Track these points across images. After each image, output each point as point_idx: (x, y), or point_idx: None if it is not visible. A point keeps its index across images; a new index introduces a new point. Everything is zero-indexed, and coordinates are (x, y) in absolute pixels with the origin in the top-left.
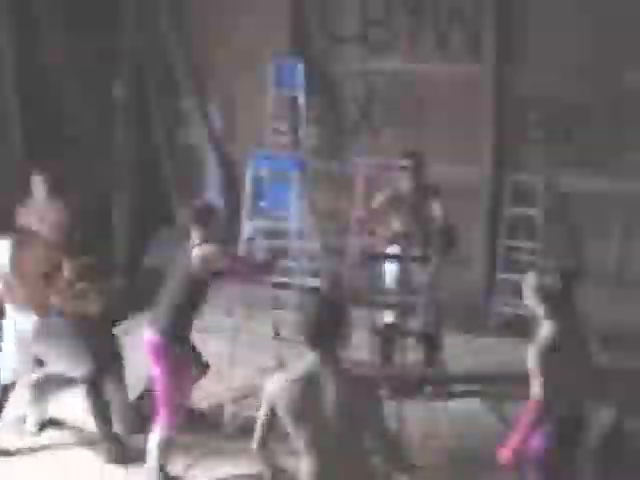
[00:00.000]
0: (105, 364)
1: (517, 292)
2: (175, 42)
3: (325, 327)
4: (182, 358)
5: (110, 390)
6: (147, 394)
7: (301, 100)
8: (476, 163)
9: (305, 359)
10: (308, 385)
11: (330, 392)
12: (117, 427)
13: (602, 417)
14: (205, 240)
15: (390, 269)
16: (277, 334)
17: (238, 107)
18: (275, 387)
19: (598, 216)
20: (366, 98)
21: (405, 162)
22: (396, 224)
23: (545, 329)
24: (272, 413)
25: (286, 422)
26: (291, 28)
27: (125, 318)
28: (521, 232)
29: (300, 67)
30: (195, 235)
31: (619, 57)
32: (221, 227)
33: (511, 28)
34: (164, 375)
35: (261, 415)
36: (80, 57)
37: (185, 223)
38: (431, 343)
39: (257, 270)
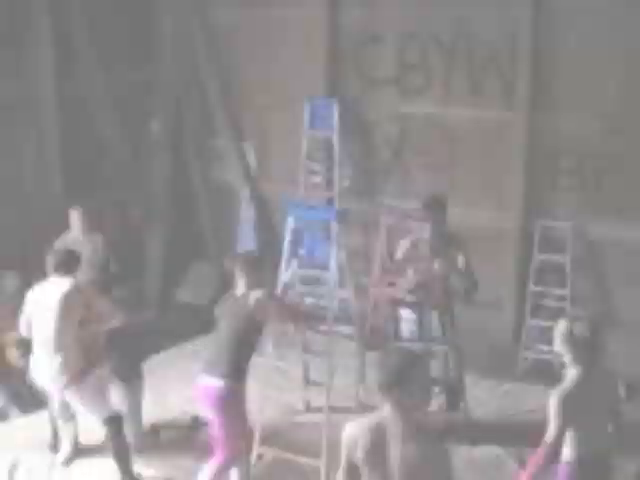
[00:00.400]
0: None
1: (545, 338)
2: (211, 78)
3: (403, 377)
4: (243, 398)
5: (128, 404)
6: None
7: (335, 140)
8: (507, 209)
9: (381, 408)
10: (379, 433)
11: (399, 441)
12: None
13: (627, 467)
14: (256, 286)
15: (408, 317)
16: (307, 380)
17: (272, 145)
18: (352, 433)
19: (629, 264)
20: (399, 140)
21: (427, 209)
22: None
23: (570, 375)
24: (350, 461)
25: (362, 470)
26: (327, 68)
27: (157, 351)
28: (551, 279)
29: (334, 107)
30: (242, 282)
31: None
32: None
33: (544, 76)
34: (230, 418)
35: (342, 463)
36: (117, 90)
37: (230, 270)
38: (452, 390)
39: (305, 316)
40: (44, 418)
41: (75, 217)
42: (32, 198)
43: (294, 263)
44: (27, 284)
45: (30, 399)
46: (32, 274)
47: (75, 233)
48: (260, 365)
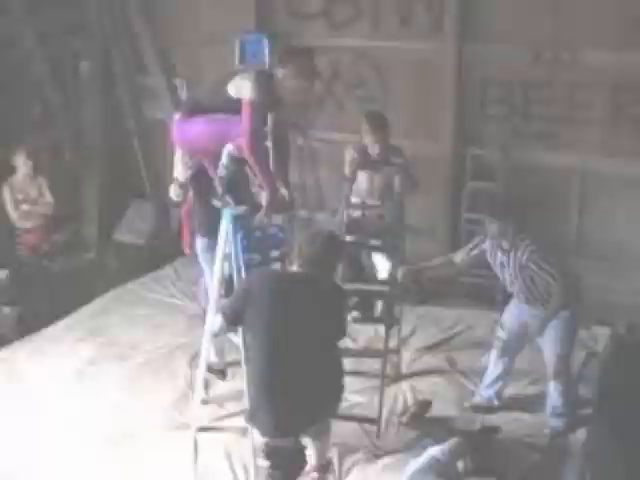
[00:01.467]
0: None
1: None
2: (139, 15)
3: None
4: None
5: None
6: None
7: None
8: (439, 139)
9: None
10: None
11: None
12: None
13: None
14: None
15: None
16: None
17: (204, 82)
18: None
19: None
20: (330, 74)
21: (369, 123)
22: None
23: None
24: None
25: None
26: (256, 5)
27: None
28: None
29: (265, 42)
30: None
31: (577, 35)
32: None
33: (472, 7)
34: None
35: None
36: (46, 30)
37: None
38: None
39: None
40: None
41: (21, 159)
42: None
43: None
44: None
45: None
46: None
47: (20, 176)
48: None
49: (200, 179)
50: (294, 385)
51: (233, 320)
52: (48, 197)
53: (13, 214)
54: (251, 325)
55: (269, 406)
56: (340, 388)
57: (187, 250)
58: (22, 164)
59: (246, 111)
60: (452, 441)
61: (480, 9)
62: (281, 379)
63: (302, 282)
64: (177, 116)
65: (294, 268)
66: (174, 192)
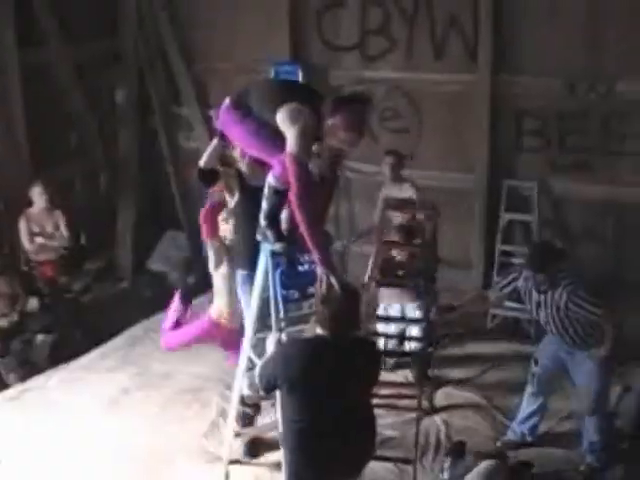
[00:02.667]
0: None
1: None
2: (174, 46)
3: None
4: None
5: None
6: None
7: None
8: (473, 170)
9: None
10: None
11: None
12: None
13: None
14: None
15: None
16: None
17: None
18: None
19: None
20: None
21: (388, 159)
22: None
23: None
24: None
25: None
26: (290, 33)
27: (133, 322)
28: (518, 237)
29: (299, 72)
30: None
31: (612, 67)
32: None
33: (506, 38)
34: None
35: None
36: (82, 60)
37: None
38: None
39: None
40: None
41: (37, 192)
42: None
43: None
44: None
45: None
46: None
47: (37, 208)
48: None
49: (245, 209)
50: (344, 439)
51: (270, 389)
52: (64, 231)
53: (28, 246)
54: (292, 390)
55: (319, 464)
56: (376, 430)
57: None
58: (37, 197)
59: (290, 166)
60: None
61: (514, 40)
62: (331, 435)
63: (340, 345)
64: (227, 102)
65: (320, 330)
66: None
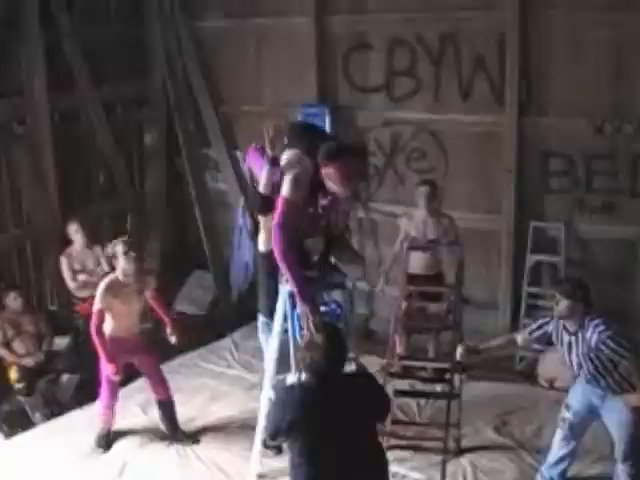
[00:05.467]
0: None
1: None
2: (202, 89)
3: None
4: None
5: None
6: None
7: None
8: (499, 211)
9: None
10: None
11: None
12: None
13: None
14: None
15: None
16: None
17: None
18: None
19: (620, 262)
20: (390, 147)
21: (422, 189)
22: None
23: None
24: None
25: None
26: (316, 75)
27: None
28: (545, 279)
29: (326, 114)
30: None
31: (639, 106)
32: None
33: (532, 78)
34: None
35: None
36: (110, 103)
37: None
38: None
39: None
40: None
41: (73, 230)
42: (29, 214)
43: None
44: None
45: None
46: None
47: (77, 246)
48: None
49: (265, 257)
50: (352, 477)
51: (275, 436)
52: (105, 267)
53: (71, 284)
54: (291, 437)
55: None
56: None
57: None
58: (75, 235)
59: (279, 206)
60: None
61: (541, 80)
62: (338, 476)
63: (331, 388)
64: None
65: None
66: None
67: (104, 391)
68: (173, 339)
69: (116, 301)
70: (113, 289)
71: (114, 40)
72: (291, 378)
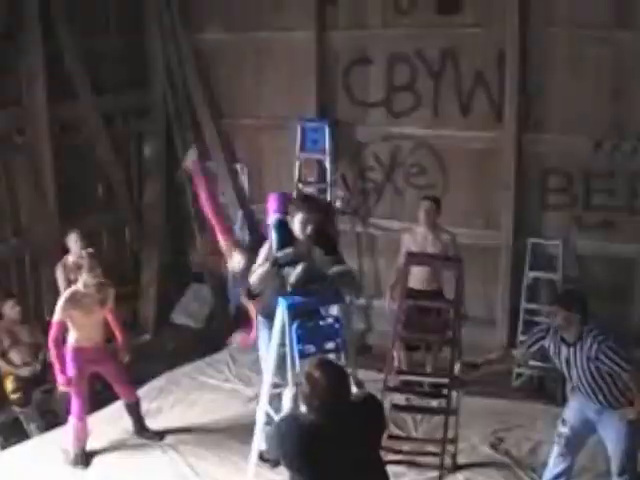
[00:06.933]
0: None
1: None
2: (201, 101)
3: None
4: None
5: None
6: None
7: (327, 163)
8: (497, 227)
9: None
10: None
11: None
12: None
13: None
14: None
15: None
16: None
17: (264, 167)
18: None
19: (618, 279)
20: (389, 162)
21: (424, 204)
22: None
23: None
24: None
25: None
26: (316, 90)
27: (154, 375)
28: (543, 295)
29: (326, 129)
30: None
31: (638, 124)
32: None
33: (531, 95)
34: None
35: None
36: (109, 115)
37: None
38: None
39: None
40: None
41: (73, 240)
42: (27, 224)
43: None
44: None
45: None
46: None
47: (74, 256)
48: None
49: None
50: None
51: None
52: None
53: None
54: (291, 468)
55: None
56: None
57: None
58: (74, 245)
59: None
60: None
61: (540, 97)
62: None
63: (333, 422)
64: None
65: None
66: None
67: (74, 404)
68: (125, 357)
69: (77, 312)
70: (73, 301)
71: (114, 51)
72: (288, 393)
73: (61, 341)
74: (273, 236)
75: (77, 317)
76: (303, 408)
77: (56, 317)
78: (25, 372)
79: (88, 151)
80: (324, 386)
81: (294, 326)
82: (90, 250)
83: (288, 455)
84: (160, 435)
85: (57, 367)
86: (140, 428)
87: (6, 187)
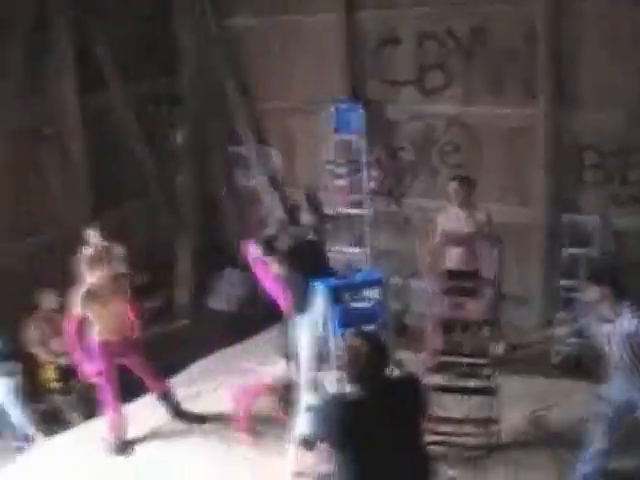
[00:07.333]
0: None
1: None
2: (232, 86)
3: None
4: None
5: None
6: None
7: (361, 144)
8: (532, 205)
9: None
10: None
11: None
12: None
13: None
14: None
15: None
16: None
17: (296, 150)
18: None
19: None
20: (423, 141)
21: (454, 184)
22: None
23: None
24: None
25: None
26: (346, 71)
27: (192, 360)
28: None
29: (359, 110)
30: None
31: None
32: None
33: (564, 72)
34: None
35: None
36: (141, 103)
37: None
38: None
39: None
40: None
41: (91, 235)
42: (61, 213)
43: None
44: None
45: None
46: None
47: (92, 250)
48: None
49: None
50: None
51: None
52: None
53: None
54: (334, 447)
55: None
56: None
57: None
58: (92, 239)
59: None
60: None
61: (574, 74)
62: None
63: (374, 398)
64: None
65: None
66: None
67: (106, 397)
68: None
69: (96, 305)
70: (90, 294)
71: (144, 39)
72: (330, 377)
73: (80, 335)
74: None
75: (96, 309)
76: (346, 388)
77: (74, 312)
78: (64, 361)
79: (120, 139)
80: (363, 352)
81: (336, 309)
82: (106, 244)
83: (333, 432)
84: (202, 419)
85: (78, 359)
86: (178, 414)
87: (37, 178)
